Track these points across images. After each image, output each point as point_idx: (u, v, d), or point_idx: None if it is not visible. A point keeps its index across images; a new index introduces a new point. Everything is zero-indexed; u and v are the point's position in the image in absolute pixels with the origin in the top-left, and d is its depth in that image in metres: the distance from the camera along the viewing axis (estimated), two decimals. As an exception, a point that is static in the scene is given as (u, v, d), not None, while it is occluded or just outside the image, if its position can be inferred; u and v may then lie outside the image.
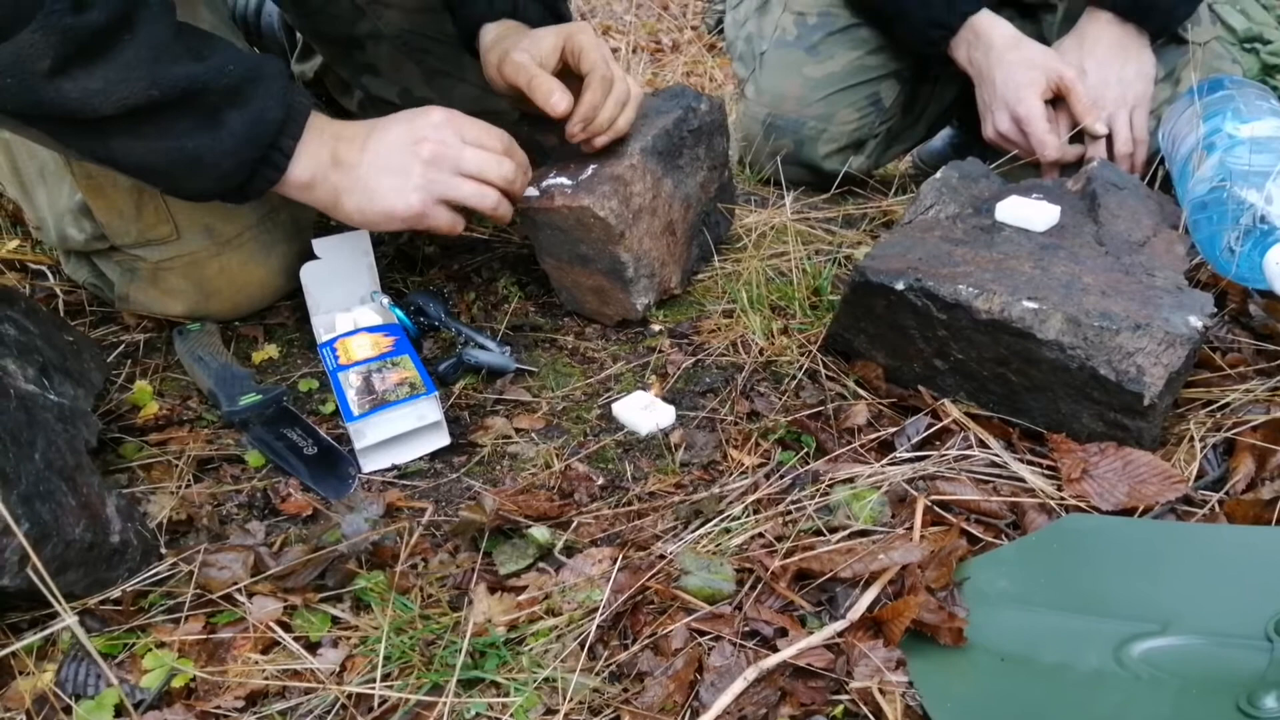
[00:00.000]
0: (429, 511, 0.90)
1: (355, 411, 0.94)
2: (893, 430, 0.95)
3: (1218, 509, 0.84)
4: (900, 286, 0.94)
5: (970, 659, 0.72)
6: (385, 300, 1.14)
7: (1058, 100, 1.33)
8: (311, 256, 1.12)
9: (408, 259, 1.33)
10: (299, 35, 1.57)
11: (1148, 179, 1.30)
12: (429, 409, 0.96)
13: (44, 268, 1.26)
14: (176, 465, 0.95)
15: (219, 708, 0.71)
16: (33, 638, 0.74)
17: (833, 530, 0.84)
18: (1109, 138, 1.32)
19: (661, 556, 0.81)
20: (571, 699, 0.70)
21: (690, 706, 0.69)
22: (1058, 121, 1.33)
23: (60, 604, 0.68)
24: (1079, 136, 1.32)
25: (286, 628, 0.77)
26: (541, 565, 0.83)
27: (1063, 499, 0.85)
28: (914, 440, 0.93)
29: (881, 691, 0.69)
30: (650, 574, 0.79)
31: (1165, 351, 0.85)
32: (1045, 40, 1.40)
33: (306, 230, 1.18)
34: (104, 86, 0.81)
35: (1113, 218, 1.04)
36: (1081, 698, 0.69)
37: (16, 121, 0.84)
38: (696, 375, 1.07)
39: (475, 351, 1.08)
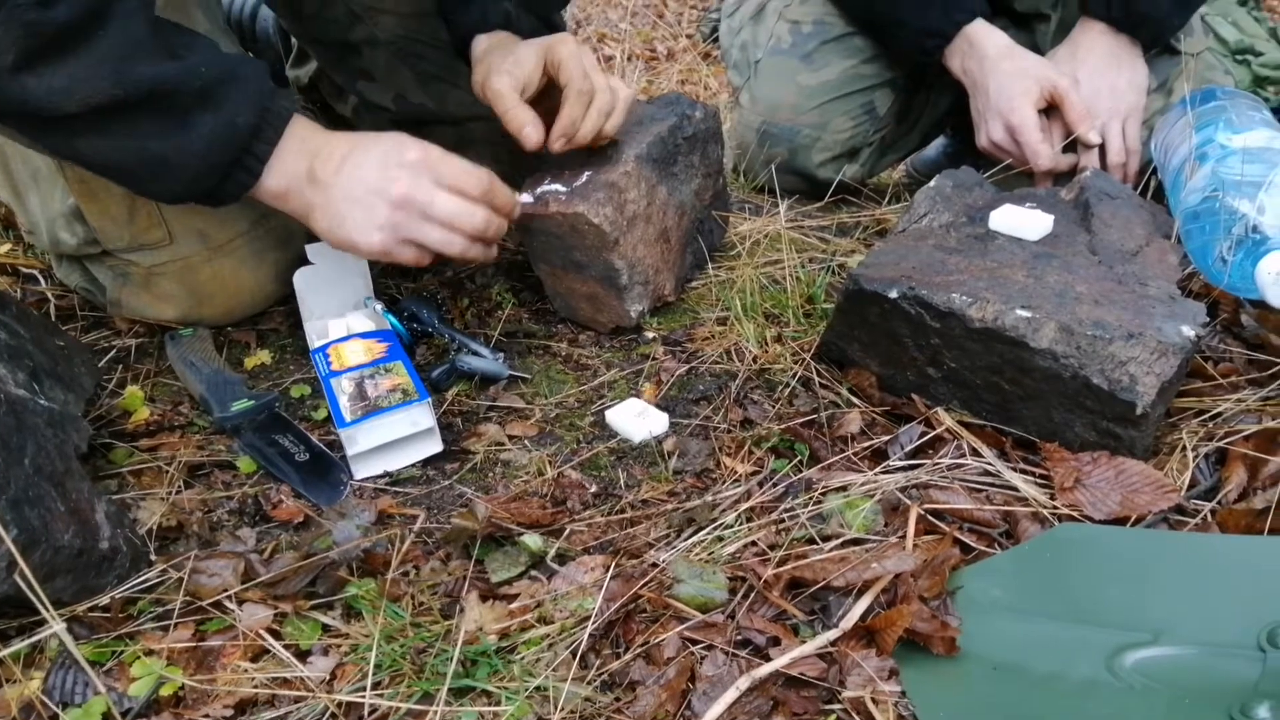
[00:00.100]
0: (421, 519, 0.89)
1: (347, 418, 0.94)
2: (886, 438, 0.95)
3: (1210, 518, 0.84)
4: (894, 295, 0.95)
5: (963, 668, 0.72)
6: (378, 306, 1.13)
7: (1051, 110, 1.33)
8: (305, 262, 1.12)
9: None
10: (294, 40, 1.57)
11: (1140, 189, 1.30)
12: (421, 415, 0.96)
13: (35, 272, 1.26)
14: (167, 471, 0.94)
15: (208, 716, 0.70)
16: (20, 645, 0.74)
17: (826, 539, 0.83)
18: (1102, 147, 1.32)
19: (654, 565, 0.81)
20: (563, 708, 0.69)
21: (682, 716, 0.69)
22: (1051, 131, 1.33)
23: (48, 611, 0.67)
24: (1072, 146, 1.32)
25: (276, 635, 0.77)
26: (533, 573, 0.83)
27: (1055, 508, 0.86)
28: (907, 449, 0.93)
29: (874, 701, 0.69)
30: (643, 582, 0.79)
31: (1158, 361, 0.85)
32: (1039, 50, 1.41)
33: (300, 236, 1.17)
34: (68, 84, 0.80)
35: (1106, 227, 1.04)
36: (1074, 707, 0.69)
37: None
38: (690, 383, 1.07)
39: (468, 358, 1.08)
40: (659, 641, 0.74)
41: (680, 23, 3.34)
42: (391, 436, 0.95)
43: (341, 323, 1.11)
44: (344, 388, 0.98)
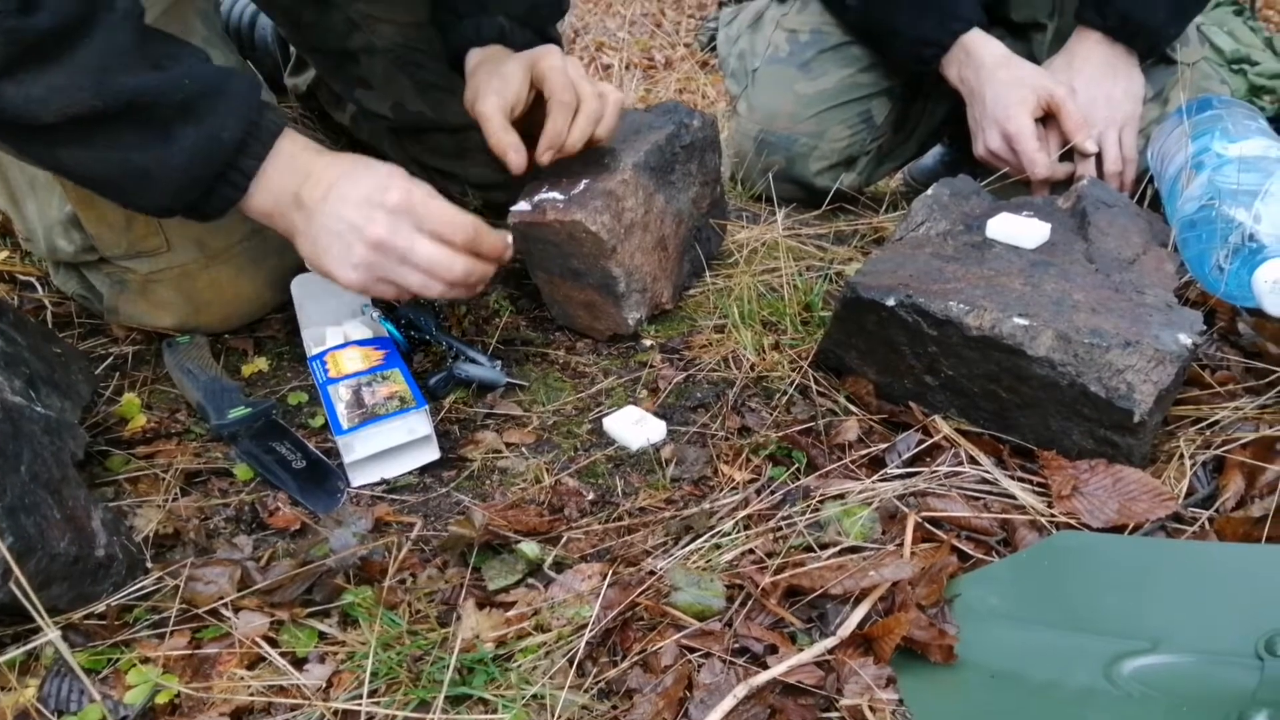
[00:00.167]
0: (418, 526, 0.89)
1: (345, 425, 0.94)
2: (883, 446, 0.95)
3: (1208, 526, 0.84)
4: (891, 303, 0.95)
5: (960, 676, 0.72)
6: (375, 314, 1.13)
7: (1048, 118, 1.33)
8: (302, 269, 1.12)
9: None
10: (292, 48, 1.57)
11: (1137, 197, 1.31)
12: (419, 423, 0.95)
13: (33, 279, 1.26)
14: (164, 479, 0.94)
15: (203, 724, 0.70)
16: (15, 652, 0.73)
17: (823, 546, 0.83)
18: (1098, 156, 1.33)
19: (651, 572, 0.81)
20: (560, 716, 0.69)
21: (679, 724, 0.69)
22: (1048, 139, 1.34)
23: (43, 618, 0.67)
24: (1069, 154, 1.33)
25: (273, 643, 0.77)
26: (531, 581, 0.83)
27: (1053, 516, 0.85)
28: (905, 456, 0.93)
29: (871, 709, 0.69)
30: (640, 590, 0.79)
31: (1155, 369, 0.85)
32: (1035, 59, 1.41)
33: (297, 243, 1.17)
34: (46, 94, 0.79)
35: (1103, 235, 1.04)
36: (1072, 715, 0.69)
37: None
38: (688, 390, 1.07)
39: (466, 365, 1.08)
40: (656, 649, 0.74)
41: (678, 31, 3.35)
42: (389, 444, 0.95)
43: (339, 330, 1.11)
44: (341, 395, 0.98)
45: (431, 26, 1.19)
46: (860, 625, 0.75)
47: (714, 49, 2.27)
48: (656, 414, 1.02)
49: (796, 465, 0.94)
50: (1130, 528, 0.84)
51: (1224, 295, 1.03)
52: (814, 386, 1.04)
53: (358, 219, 0.90)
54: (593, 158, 1.11)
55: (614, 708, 0.70)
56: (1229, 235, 1.01)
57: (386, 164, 0.95)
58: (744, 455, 0.96)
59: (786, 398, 1.04)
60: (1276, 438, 0.90)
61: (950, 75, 1.40)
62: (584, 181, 1.08)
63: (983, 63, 1.35)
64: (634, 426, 0.99)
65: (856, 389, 1.02)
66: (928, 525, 0.85)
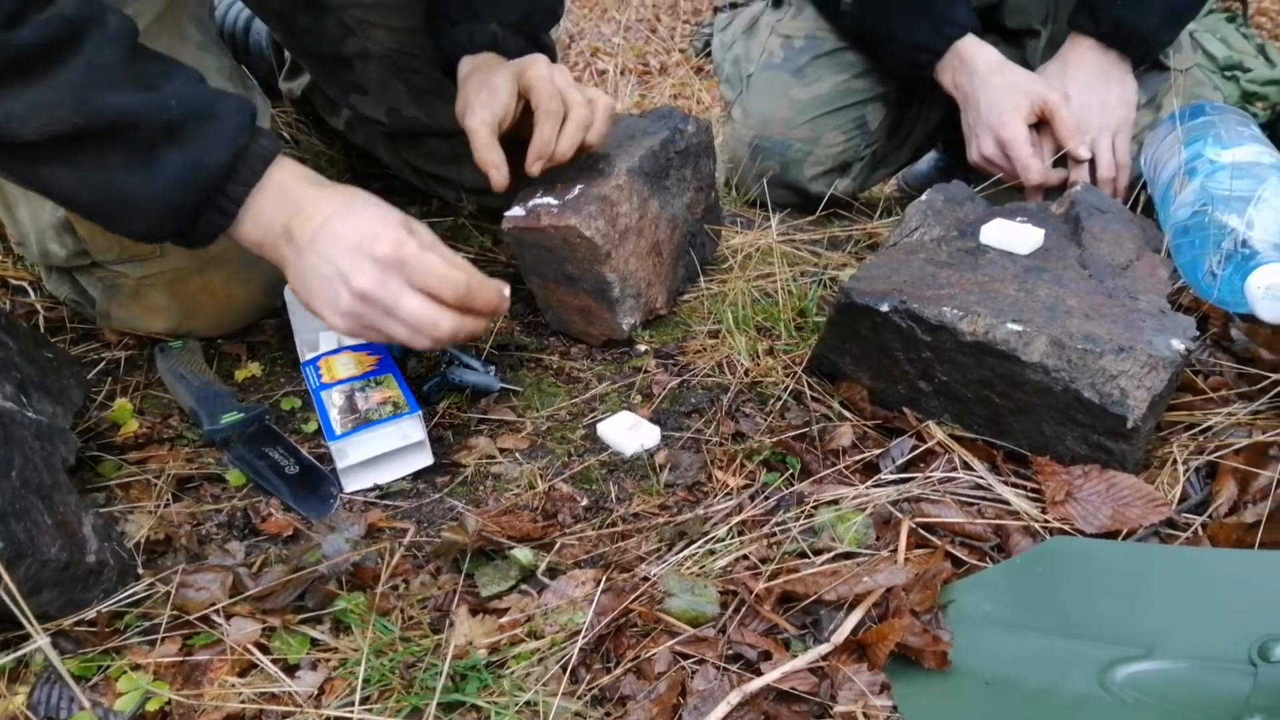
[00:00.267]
0: (411, 532, 0.89)
1: (338, 430, 0.94)
2: (877, 452, 0.95)
3: (1201, 532, 0.84)
4: (885, 308, 0.95)
5: (955, 682, 0.72)
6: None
7: (1041, 124, 1.34)
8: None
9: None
10: (287, 53, 1.57)
11: (1130, 203, 1.31)
12: (412, 428, 0.95)
13: (25, 283, 1.25)
14: (156, 484, 0.94)
15: (194, 731, 0.70)
16: (5, 659, 0.73)
17: (817, 552, 0.83)
18: (1091, 162, 1.33)
19: (645, 579, 0.81)
20: (553, 723, 0.69)
21: (673, 731, 0.69)
22: (1041, 145, 1.34)
23: (33, 625, 0.67)
24: (1062, 160, 1.33)
25: (265, 650, 0.76)
26: (524, 587, 0.82)
27: (1047, 522, 0.85)
28: (899, 462, 0.93)
29: (865, 716, 0.69)
30: (634, 596, 0.78)
31: (1148, 374, 0.85)
32: (1029, 65, 1.42)
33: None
34: (26, 110, 0.77)
35: (1096, 241, 1.04)
36: (1066, 722, 0.69)
37: None
38: (682, 396, 1.07)
39: (460, 371, 1.08)
40: (650, 656, 0.74)
41: (673, 37, 3.36)
42: (382, 449, 0.94)
43: (332, 335, 1.11)
44: (334, 400, 0.98)
45: (425, 33, 1.19)
46: (854, 631, 0.75)
47: (709, 54, 2.28)
48: (651, 419, 1.02)
49: (790, 471, 0.94)
50: (1124, 533, 0.84)
51: (1217, 301, 1.03)
52: (808, 392, 1.04)
53: (345, 267, 0.86)
54: (587, 163, 1.11)
55: (607, 714, 0.70)
56: (1222, 241, 1.02)
57: (381, 206, 0.90)
58: (738, 461, 0.96)
59: (781, 403, 1.04)
60: (1269, 443, 0.90)
61: (945, 81, 1.40)
62: (578, 186, 1.08)
63: (977, 69, 1.35)
64: (628, 432, 0.99)
65: (850, 394, 1.02)
66: (922, 531, 0.85)
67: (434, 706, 0.69)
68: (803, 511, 0.88)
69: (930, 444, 0.95)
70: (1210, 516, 0.86)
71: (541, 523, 0.89)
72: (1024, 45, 1.53)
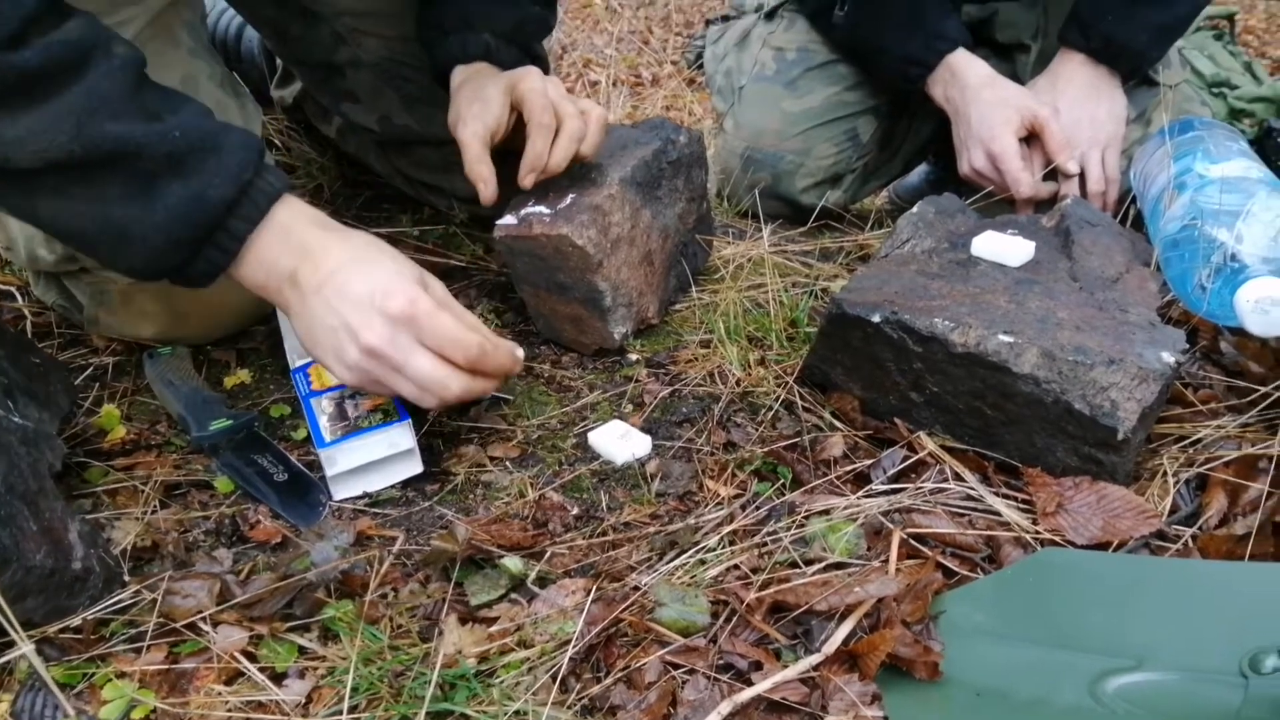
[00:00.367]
0: (400, 540, 0.88)
1: (327, 438, 0.93)
2: (869, 462, 0.95)
3: (1191, 544, 0.84)
4: (876, 319, 0.95)
5: (945, 693, 0.72)
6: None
7: (1032, 138, 1.34)
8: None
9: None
10: (279, 61, 1.57)
11: (1120, 217, 1.32)
12: (401, 436, 0.95)
13: (12, 289, 1.24)
14: (143, 491, 0.93)
15: (180, 740, 0.69)
16: (-12, 667, 0.72)
17: (808, 562, 0.83)
18: (1081, 176, 1.34)
19: (636, 588, 0.80)
20: (543, 733, 0.68)
21: (663, 741, 0.68)
22: (1032, 159, 1.35)
23: (17, 632, 0.66)
24: (1052, 174, 1.34)
25: (252, 658, 0.76)
26: (514, 596, 0.82)
27: (1038, 533, 0.86)
28: (890, 473, 0.93)
29: (857, 726, 0.68)
30: (624, 606, 0.78)
31: (1138, 387, 0.86)
32: (1019, 80, 1.43)
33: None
34: (23, 135, 0.75)
35: (1086, 254, 1.05)
36: (1057, 733, 0.69)
37: None
38: (673, 405, 1.07)
39: (450, 379, 1.07)
40: (640, 665, 0.73)
41: (665, 49, 3.37)
42: (371, 457, 0.94)
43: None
44: (324, 408, 0.97)
45: (417, 41, 1.19)
46: (845, 642, 0.74)
47: (701, 66, 2.29)
48: (642, 429, 1.02)
49: (782, 481, 0.94)
50: (1114, 545, 0.84)
51: (1206, 314, 1.04)
52: (799, 402, 1.04)
53: (355, 321, 0.83)
54: (579, 172, 1.11)
55: (597, 724, 0.70)
56: (1211, 255, 1.02)
57: (397, 258, 0.89)
58: (729, 470, 0.96)
59: (772, 413, 1.04)
60: (1259, 456, 0.90)
61: (936, 94, 1.41)
62: (570, 196, 1.08)
63: (968, 83, 1.36)
64: (619, 441, 0.99)
65: (842, 405, 1.02)
66: (913, 541, 0.85)
67: (423, 715, 0.69)
68: (794, 521, 0.87)
69: (921, 455, 0.95)
70: (1200, 528, 0.86)
71: (532, 531, 0.88)
72: (1014, 60, 1.54)
